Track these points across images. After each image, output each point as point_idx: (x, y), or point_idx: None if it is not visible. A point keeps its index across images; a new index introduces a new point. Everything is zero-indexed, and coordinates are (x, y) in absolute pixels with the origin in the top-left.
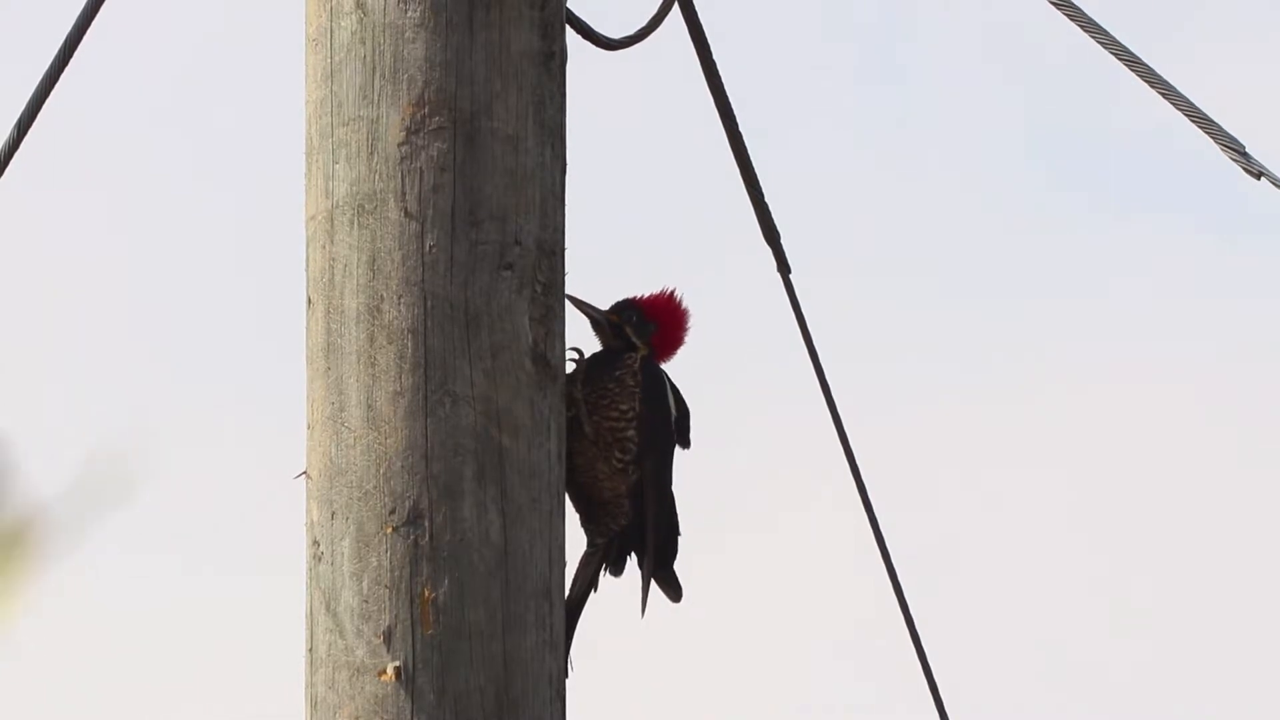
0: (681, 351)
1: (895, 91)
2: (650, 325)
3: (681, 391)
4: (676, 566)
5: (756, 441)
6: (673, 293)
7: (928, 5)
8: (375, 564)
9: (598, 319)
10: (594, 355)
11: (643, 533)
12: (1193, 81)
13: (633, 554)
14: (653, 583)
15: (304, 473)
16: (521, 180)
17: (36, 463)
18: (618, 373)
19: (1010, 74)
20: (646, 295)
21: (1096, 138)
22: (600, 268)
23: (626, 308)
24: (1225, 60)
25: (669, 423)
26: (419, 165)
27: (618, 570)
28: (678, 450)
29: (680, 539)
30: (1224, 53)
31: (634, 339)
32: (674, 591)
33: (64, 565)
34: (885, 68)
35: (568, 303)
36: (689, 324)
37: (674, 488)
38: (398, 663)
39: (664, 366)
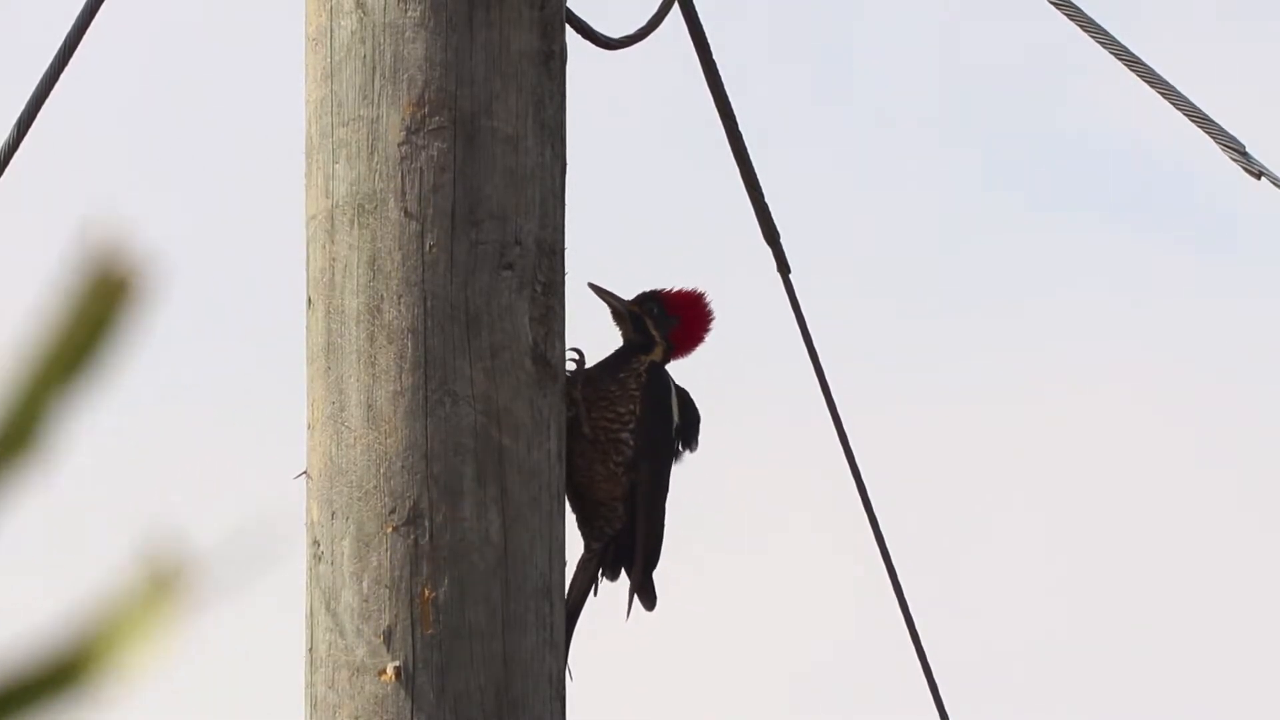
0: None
1: (895, 92)
2: (672, 319)
3: (692, 397)
4: (656, 575)
5: (756, 441)
6: (701, 293)
7: (931, 11)
8: (375, 564)
9: (619, 309)
10: (606, 358)
11: (633, 538)
12: (1188, 79)
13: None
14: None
15: (304, 473)
16: (521, 180)
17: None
18: (621, 375)
19: (1006, 79)
20: (672, 289)
21: (1094, 142)
22: (600, 268)
23: (649, 299)
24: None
25: (669, 431)
26: (419, 165)
27: (614, 575)
28: (686, 453)
29: (662, 548)
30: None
31: (653, 331)
32: (649, 600)
33: (213, 614)
34: (884, 68)
35: (591, 291)
36: (711, 325)
37: (671, 493)
38: (398, 662)
39: (675, 375)
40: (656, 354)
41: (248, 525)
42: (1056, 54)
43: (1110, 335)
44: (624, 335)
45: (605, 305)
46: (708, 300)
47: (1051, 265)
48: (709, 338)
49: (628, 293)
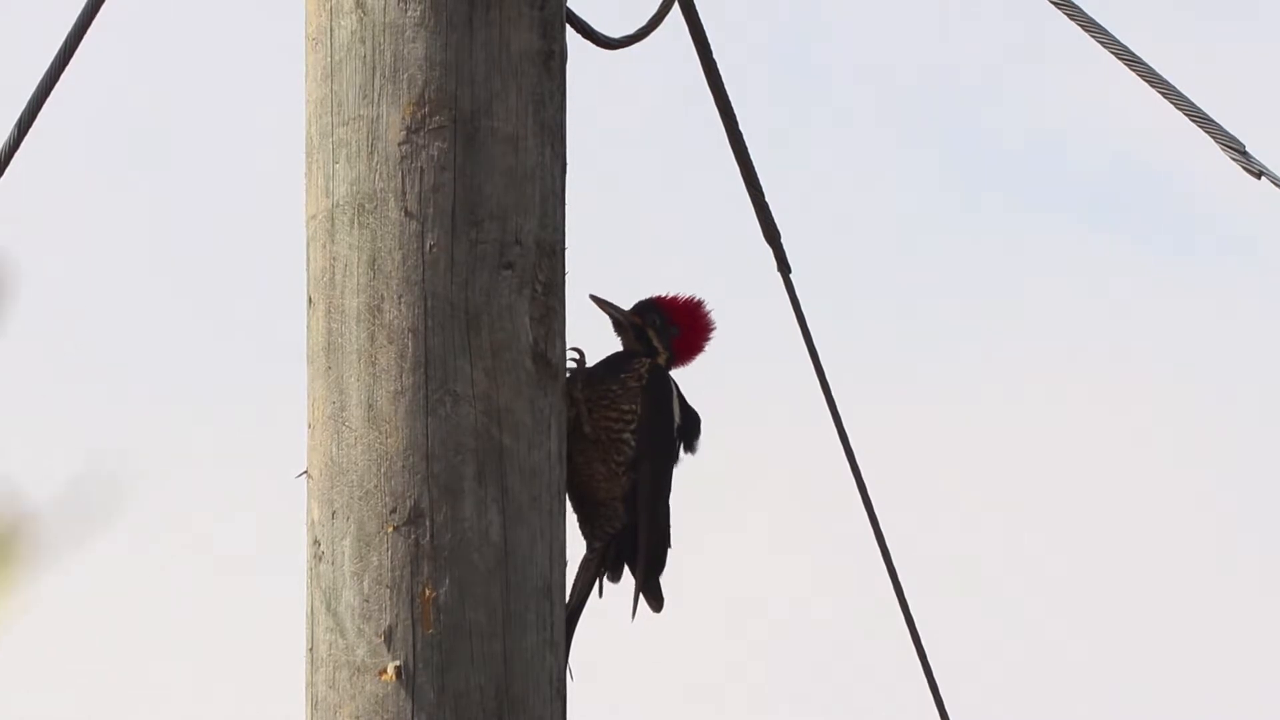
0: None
1: (894, 91)
2: (673, 329)
3: (688, 399)
4: (663, 577)
5: (756, 441)
6: (700, 301)
7: (935, 13)
8: (376, 563)
9: (620, 319)
10: (606, 358)
11: (636, 539)
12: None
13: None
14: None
15: (304, 472)
16: (521, 179)
17: (31, 467)
18: (623, 375)
19: (1006, 78)
20: (671, 296)
21: (1092, 141)
22: (600, 268)
23: (649, 309)
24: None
25: (670, 431)
26: (419, 164)
27: (615, 575)
28: (684, 456)
29: (670, 550)
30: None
31: (655, 342)
32: (656, 601)
33: (56, 572)
34: (883, 68)
35: (591, 303)
36: (712, 332)
37: (673, 493)
38: (398, 662)
39: (675, 374)
40: (659, 360)
41: (83, 480)
42: (1056, 54)
43: (1110, 335)
44: (625, 345)
45: (606, 316)
46: (707, 308)
47: (1050, 265)
48: (710, 345)
49: (627, 300)
